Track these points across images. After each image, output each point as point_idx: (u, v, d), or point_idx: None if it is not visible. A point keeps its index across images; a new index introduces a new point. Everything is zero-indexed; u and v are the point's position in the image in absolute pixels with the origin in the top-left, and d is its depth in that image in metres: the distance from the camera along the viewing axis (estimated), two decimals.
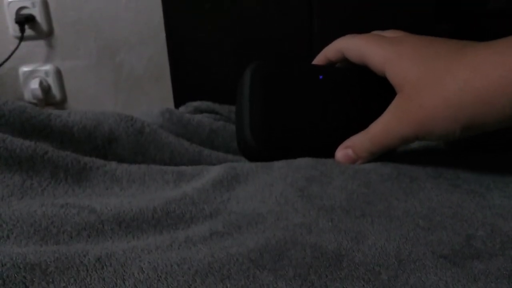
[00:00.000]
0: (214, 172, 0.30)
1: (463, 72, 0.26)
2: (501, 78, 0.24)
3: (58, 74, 0.84)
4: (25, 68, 0.84)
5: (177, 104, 0.61)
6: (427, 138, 0.29)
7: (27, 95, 0.85)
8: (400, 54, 0.30)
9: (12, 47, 0.80)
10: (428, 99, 0.28)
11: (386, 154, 0.32)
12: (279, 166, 0.30)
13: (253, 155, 0.34)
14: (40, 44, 0.82)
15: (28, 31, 0.80)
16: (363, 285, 0.19)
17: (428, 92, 0.28)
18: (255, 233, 0.23)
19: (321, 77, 0.35)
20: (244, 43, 0.59)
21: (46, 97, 0.85)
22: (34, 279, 0.18)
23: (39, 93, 0.83)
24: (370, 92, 0.35)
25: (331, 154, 0.33)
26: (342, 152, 0.32)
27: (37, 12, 0.79)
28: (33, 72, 0.84)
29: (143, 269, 0.19)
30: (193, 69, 0.62)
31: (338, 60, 0.36)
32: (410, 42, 0.31)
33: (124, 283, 0.19)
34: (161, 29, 0.65)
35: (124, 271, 0.19)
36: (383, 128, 0.31)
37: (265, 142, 0.33)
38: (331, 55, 0.36)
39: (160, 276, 0.19)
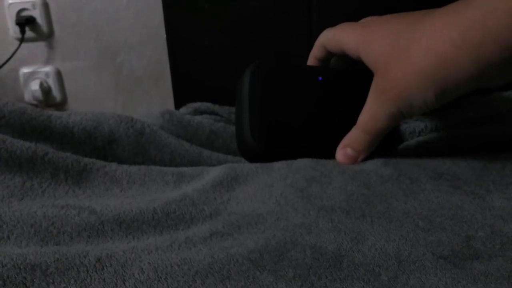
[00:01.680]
0: (214, 173, 0.30)
1: (424, 38, 0.27)
2: (458, 36, 0.25)
3: (59, 75, 0.84)
4: (25, 70, 0.84)
5: (177, 105, 0.61)
6: (410, 111, 0.29)
7: (28, 97, 0.85)
8: (370, 35, 0.31)
9: (12, 49, 0.80)
10: (398, 72, 0.28)
11: (387, 154, 0.32)
12: (279, 167, 0.30)
13: (252, 156, 0.34)
14: (41, 46, 0.82)
15: (29, 33, 0.80)
16: (363, 286, 0.19)
17: (398, 65, 0.28)
18: (255, 233, 0.23)
19: (320, 78, 0.35)
20: (244, 44, 0.59)
21: (47, 98, 0.85)
22: (34, 280, 0.18)
23: (39, 94, 0.83)
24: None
25: (331, 155, 0.33)
26: (341, 153, 0.33)
27: (37, 13, 0.79)
28: (34, 74, 0.84)
29: (143, 270, 0.19)
30: (193, 69, 0.62)
31: (325, 56, 0.36)
32: (378, 22, 0.31)
33: (124, 283, 0.19)
34: (161, 30, 0.65)
35: (124, 271, 0.19)
36: (370, 113, 0.31)
37: (265, 143, 0.33)
38: (317, 53, 0.36)
39: (160, 277, 0.19)
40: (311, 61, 0.37)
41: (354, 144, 0.32)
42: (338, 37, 0.33)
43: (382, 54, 0.29)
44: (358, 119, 0.32)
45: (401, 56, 0.28)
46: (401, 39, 0.28)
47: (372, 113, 0.31)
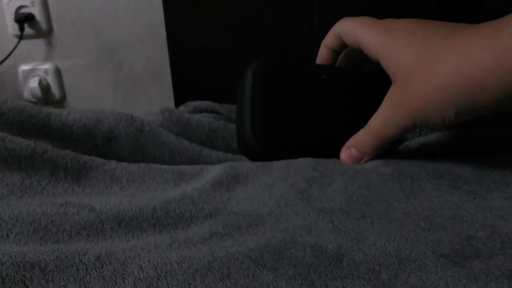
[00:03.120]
0: (213, 172, 0.29)
1: (452, 57, 0.26)
2: (489, 61, 0.24)
3: (58, 73, 0.84)
4: (24, 67, 0.83)
5: (177, 103, 0.61)
6: (425, 125, 0.29)
7: (27, 94, 0.85)
8: (393, 40, 0.30)
9: (11, 46, 0.80)
10: (420, 87, 0.28)
11: (388, 153, 0.32)
12: (279, 166, 0.30)
13: (253, 155, 0.34)
14: (40, 43, 0.82)
15: (28, 30, 0.80)
16: (363, 284, 0.19)
17: (420, 79, 0.28)
18: (255, 234, 0.23)
19: (323, 77, 0.35)
20: (244, 43, 0.59)
21: (46, 96, 0.85)
22: (33, 278, 0.18)
23: (38, 91, 0.83)
24: (373, 92, 0.35)
25: (332, 154, 0.33)
26: (346, 153, 0.32)
27: (36, 10, 0.79)
28: (33, 71, 0.84)
29: (143, 268, 0.19)
30: (193, 68, 0.62)
31: (338, 47, 0.35)
32: (402, 26, 0.31)
33: (123, 281, 0.18)
34: (161, 28, 0.65)
35: (124, 269, 0.19)
36: (382, 120, 0.31)
37: (266, 142, 0.33)
38: (330, 43, 0.36)
39: (160, 275, 0.19)
40: (323, 50, 0.37)
41: (360, 146, 0.32)
42: (357, 32, 0.32)
43: (404, 63, 0.29)
44: (369, 122, 0.32)
45: (425, 70, 0.28)
46: (428, 53, 0.28)
47: (384, 121, 0.30)
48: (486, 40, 0.25)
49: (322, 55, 0.37)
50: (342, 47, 0.35)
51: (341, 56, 0.37)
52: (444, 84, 0.26)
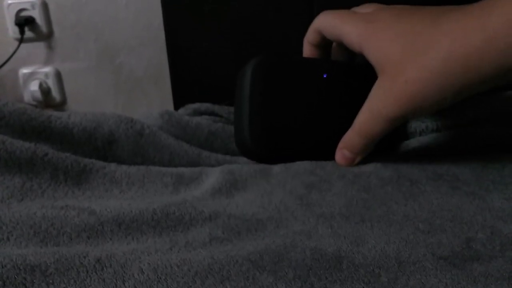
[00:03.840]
0: (212, 177, 0.29)
1: (445, 41, 0.26)
2: (482, 43, 0.25)
3: (58, 76, 0.84)
4: (24, 70, 0.84)
5: (177, 106, 0.61)
6: (416, 114, 0.29)
7: (27, 97, 0.85)
8: (377, 32, 0.30)
9: (11, 49, 0.80)
10: (414, 74, 0.27)
11: (387, 154, 0.32)
12: (278, 171, 0.30)
13: (252, 157, 0.34)
14: (40, 46, 0.82)
15: (28, 33, 0.80)
16: (363, 287, 0.19)
17: (413, 66, 0.28)
18: (255, 239, 0.23)
19: (325, 75, 0.34)
20: (243, 45, 0.59)
21: (46, 99, 0.85)
22: (34, 280, 0.18)
23: (39, 95, 0.83)
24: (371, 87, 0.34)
25: (332, 154, 0.33)
26: (339, 154, 0.32)
27: (36, 14, 0.79)
28: (33, 74, 0.84)
29: (143, 270, 0.19)
30: (192, 71, 0.62)
31: (320, 42, 0.35)
32: (384, 17, 0.30)
33: (124, 284, 0.19)
34: (161, 31, 0.65)
35: (124, 272, 0.19)
36: (369, 115, 0.30)
37: (265, 143, 0.33)
38: (311, 38, 0.35)
39: (160, 277, 0.19)
40: (306, 47, 0.36)
41: (350, 147, 0.32)
42: (337, 26, 0.32)
43: (393, 55, 0.29)
44: (355, 120, 0.31)
45: (416, 58, 0.27)
46: (416, 41, 0.28)
47: (371, 116, 0.30)
48: (477, 22, 0.25)
49: (306, 52, 0.37)
50: (324, 42, 0.35)
51: (333, 51, 0.37)
52: (440, 68, 0.26)
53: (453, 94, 0.27)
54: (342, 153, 0.32)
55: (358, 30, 0.31)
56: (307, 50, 0.36)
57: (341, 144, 0.32)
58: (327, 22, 0.33)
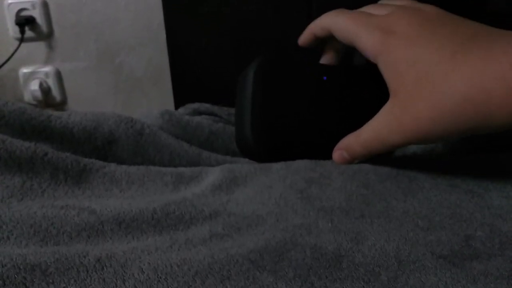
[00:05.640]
0: (212, 175, 0.30)
1: (461, 85, 0.25)
2: (502, 95, 0.24)
3: (58, 75, 0.84)
4: (25, 70, 0.84)
5: (177, 106, 0.61)
6: (420, 143, 0.29)
7: (27, 97, 0.85)
8: (393, 49, 0.28)
9: (12, 49, 0.80)
10: (424, 112, 0.27)
11: (386, 155, 0.32)
12: (278, 168, 0.30)
13: (253, 156, 0.34)
14: (40, 46, 0.82)
15: (28, 33, 0.80)
16: (363, 286, 0.19)
17: (425, 103, 0.27)
18: (255, 234, 0.23)
19: (325, 78, 0.34)
20: (243, 45, 0.59)
21: (46, 98, 0.85)
22: (34, 280, 0.18)
23: (39, 94, 0.83)
24: (375, 92, 0.34)
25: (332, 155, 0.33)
26: (337, 154, 0.32)
27: (37, 13, 0.79)
28: (33, 74, 0.84)
29: (143, 270, 0.19)
30: (192, 71, 0.62)
31: (325, 37, 0.34)
32: (403, 30, 0.29)
33: (124, 283, 0.19)
34: (161, 31, 0.65)
35: (124, 271, 0.19)
36: (375, 135, 0.30)
37: (266, 142, 0.33)
38: (317, 32, 0.34)
39: (160, 277, 0.19)
40: (308, 34, 0.35)
41: (350, 152, 0.32)
42: (352, 32, 0.31)
43: (407, 81, 0.27)
44: (360, 132, 0.31)
45: (429, 94, 0.26)
46: (432, 74, 0.26)
47: (377, 137, 0.30)
48: (497, 72, 0.24)
49: (306, 40, 0.35)
50: (329, 38, 0.34)
51: (326, 48, 0.36)
52: (452, 111, 0.26)
53: (461, 134, 0.26)
54: (341, 153, 0.32)
55: (374, 40, 0.29)
56: (308, 40, 0.35)
57: (341, 145, 0.32)
58: (340, 24, 0.32)
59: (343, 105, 0.35)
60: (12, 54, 0.79)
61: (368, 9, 0.33)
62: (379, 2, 0.34)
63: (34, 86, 0.82)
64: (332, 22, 0.33)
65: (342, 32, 0.32)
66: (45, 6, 0.79)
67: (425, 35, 0.28)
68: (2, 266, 0.18)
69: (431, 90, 0.26)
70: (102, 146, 0.33)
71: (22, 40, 0.79)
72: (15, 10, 0.79)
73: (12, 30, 0.80)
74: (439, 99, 0.26)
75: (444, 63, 0.26)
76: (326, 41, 0.36)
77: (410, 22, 0.29)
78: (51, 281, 0.18)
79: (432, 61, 0.27)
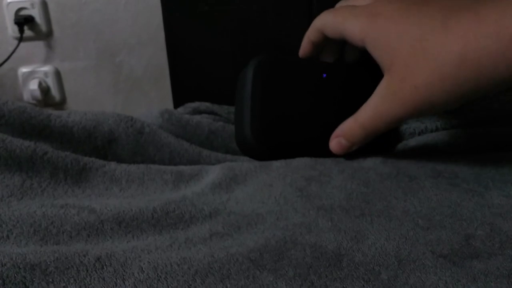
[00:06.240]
0: (212, 173, 0.30)
1: (456, 47, 0.25)
2: (497, 50, 0.24)
3: (57, 75, 0.84)
4: (24, 69, 0.84)
5: (176, 105, 0.61)
6: (422, 115, 0.28)
7: (26, 96, 0.85)
8: (382, 28, 0.29)
9: (11, 48, 0.80)
10: (423, 79, 0.27)
11: (386, 152, 0.32)
12: (278, 166, 0.30)
13: (252, 154, 0.34)
14: (39, 45, 0.82)
15: (27, 32, 0.80)
16: (363, 285, 0.19)
17: (422, 70, 0.27)
18: (255, 233, 0.23)
19: (324, 75, 0.35)
20: (242, 45, 0.59)
21: (46, 98, 0.85)
22: (34, 279, 0.18)
23: (38, 94, 0.83)
24: (374, 89, 0.34)
25: (332, 153, 0.33)
26: (334, 142, 0.32)
27: (36, 13, 0.79)
28: (32, 73, 0.84)
29: (143, 269, 0.19)
30: (192, 70, 0.62)
31: (321, 41, 0.35)
32: (389, 10, 0.29)
33: (124, 283, 0.19)
34: (161, 31, 0.65)
35: (124, 271, 0.19)
36: (374, 112, 0.30)
37: (266, 140, 0.33)
38: (313, 37, 0.35)
39: (160, 276, 0.19)
40: (305, 43, 0.36)
41: (349, 137, 0.31)
42: (340, 25, 0.31)
43: (401, 54, 0.27)
44: (358, 113, 0.31)
45: (426, 61, 0.26)
46: (427, 42, 0.26)
47: (377, 113, 0.29)
48: (492, 27, 0.24)
49: (305, 49, 0.36)
50: (325, 41, 0.35)
51: (324, 51, 0.37)
52: (451, 75, 0.25)
53: (463, 99, 0.26)
54: (338, 141, 0.32)
55: (360, 25, 0.30)
56: (306, 49, 0.36)
57: (338, 132, 0.32)
58: (328, 21, 0.33)
59: (343, 102, 0.35)
60: (11, 54, 0.79)
61: (352, 2, 0.34)
62: None
63: (33, 85, 0.82)
64: (321, 22, 0.34)
65: (331, 27, 0.32)
66: (44, 5, 0.79)
67: (412, 11, 0.28)
68: (2, 266, 0.18)
69: (427, 56, 0.26)
70: (102, 145, 0.33)
71: (21, 39, 0.79)
72: (14, 9, 0.78)
73: (11, 30, 0.80)
74: (436, 63, 0.26)
75: (437, 29, 0.26)
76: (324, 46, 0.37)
77: (394, 6, 0.29)
78: (51, 280, 0.18)
79: (424, 30, 0.27)
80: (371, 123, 0.30)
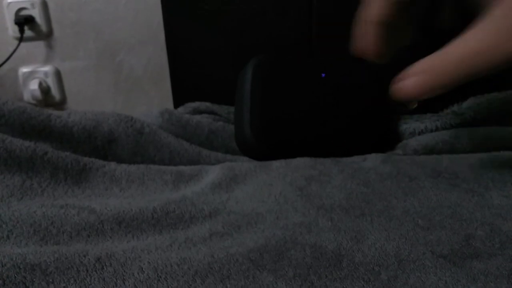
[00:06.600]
0: (212, 173, 0.29)
1: None
2: None
3: (58, 75, 0.84)
4: (24, 69, 0.84)
5: (176, 105, 0.61)
6: None
7: (27, 96, 0.85)
8: None
9: (11, 48, 0.80)
10: None
11: (385, 154, 0.32)
12: (278, 166, 0.30)
13: (252, 153, 0.34)
14: (40, 45, 0.82)
15: (28, 32, 0.80)
16: (363, 285, 0.19)
17: None
18: (255, 232, 0.23)
19: (323, 75, 0.35)
20: (243, 45, 0.59)
21: (46, 98, 0.85)
22: (34, 279, 0.18)
23: (38, 94, 0.83)
24: (374, 88, 0.34)
25: (331, 152, 0.33)
26: (411, 81, 0.24)
27: (36, 13, 0.79)
28: (33, 73, 0.84)
29: (143, 269, 0.19)
30: (192, 70, 0.62)
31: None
32: None
33: (124, 283, 0.19)
34: (161, 30, 0.65)
35: (124, 271, 0.19)
36: (480, 46, 0.23)
37: (265, 139, 0.33)
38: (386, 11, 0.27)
39: (160, 276, 0.19)
40: (381, 3, 0.28)
41: (436, 73, 0.24)
42: None
43: None
44: (450, 48, 0.24)
45: None
46: None
47: (483, 47, 0.23)
48: None
49: (382, 10, 0.28)
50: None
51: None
52: None
53: None
54: (417, 80, 0.24)
55: None
56: (383, 10, 0.28)
57: (417, 69, 0.25)
58: None
59: (342, 101, 0.35)
60: (12, 54, 0.79)
61: None
62: None
63: (34, 85, 0.82)
64: None
65: None
66: (45, 5, 0.79)
67: None
68: (2, 266, 0.18)
69: None
70: (102, 145, 0.33)
71: (21, 39, 0.79)
72: (15, 10, 0.78)
73: (12, 30, 0.80)
74: None
75: None
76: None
77: None
78: (51, 280, 0.18)
79: None
80: (473, 60, 0.23)
